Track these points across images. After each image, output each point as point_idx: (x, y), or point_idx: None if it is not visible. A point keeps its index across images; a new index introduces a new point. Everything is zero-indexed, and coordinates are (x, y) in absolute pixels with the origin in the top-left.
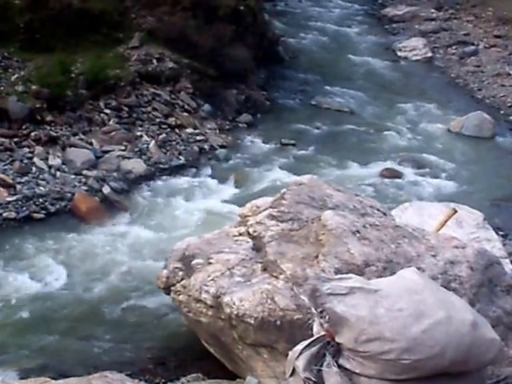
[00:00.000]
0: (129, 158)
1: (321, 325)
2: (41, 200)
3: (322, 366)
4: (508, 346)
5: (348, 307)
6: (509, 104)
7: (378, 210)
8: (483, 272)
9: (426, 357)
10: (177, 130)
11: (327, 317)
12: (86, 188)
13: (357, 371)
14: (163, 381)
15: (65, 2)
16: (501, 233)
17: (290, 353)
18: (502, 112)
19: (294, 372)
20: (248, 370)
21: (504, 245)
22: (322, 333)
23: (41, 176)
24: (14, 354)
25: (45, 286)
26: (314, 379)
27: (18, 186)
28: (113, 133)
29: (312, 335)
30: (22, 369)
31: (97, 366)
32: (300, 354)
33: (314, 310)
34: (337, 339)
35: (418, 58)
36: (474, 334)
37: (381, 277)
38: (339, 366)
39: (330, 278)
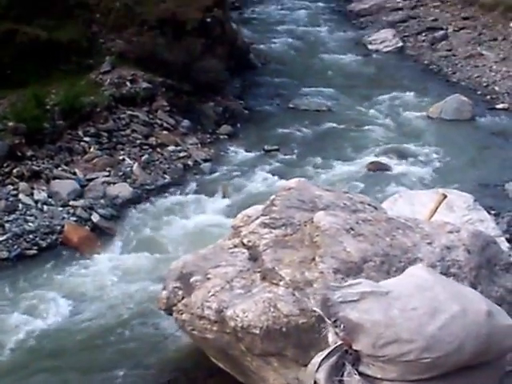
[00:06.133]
0: (114, 183)
1: (336, 334)
2: (31, 236)
3: (342, 375)
4: None
5: (361, 313)
6: (484, 84)
7: (369, 204)
8: (480, 253)
9: (445, 353)
10: (159, 150)
11: (342, 325)
12: (74, 218)
13: (378, 376)
14: None
15: (32, 35)
16: (493, 212)
17: (309, 366)
18: (478, 92)
19: None
20: (260, 380)
21: (497, 223)
22: (339, 342)
23: (28, 212)
24: None
25: (45, 321)
26: None
27: (7, 225)
28: (95, 160)
29: (328, 345)
30: None
31: None
32: (319, 366)
33: (327, 320)
34: (354, 347)
35: (389, 48)
36: (491, 323)
37: (380, 271)
38: (360, 374)
39: (340, 285)
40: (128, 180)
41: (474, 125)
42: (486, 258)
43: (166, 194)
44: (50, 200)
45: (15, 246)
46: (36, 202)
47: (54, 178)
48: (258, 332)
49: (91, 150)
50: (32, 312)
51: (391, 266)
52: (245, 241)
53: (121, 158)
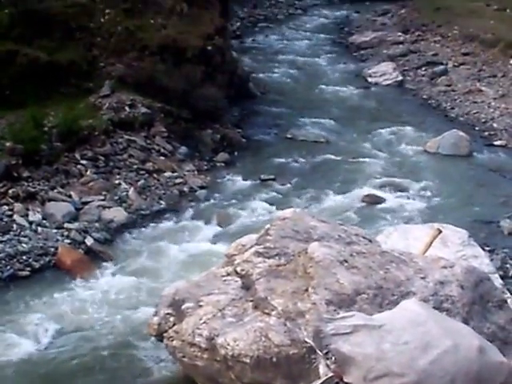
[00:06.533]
0: (109, 207)
1: (327, 366)
2: (24, 257)
3: None
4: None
5: (353, 346)
6: (483, 120)
7: (364, 237)
8: (474, 289)
9: None
10: (155, 175)
11: (333, 357)
12: (68, 241)
13: None
14: None
15: (32, 57)
16: (487, 248)
17: None
18: (476, 128)
19: None
20: None
21: (492, 260)
22: (330, 374)
23: (22, 233)
24: None
25: (35, 343)
26: None
27: (0, 245)
28: (91, 183)
29: (319, 377)
30: None
31: None
32: None
33: (318, 352)
34: (345, 379)
35: (389, 82)
36: (483, 359)
37: (372, 304)
38: None
39: (333, 317)
40: (123, 204)
41: (471, 161)
42: (479, 294)
43: (161, 220)
44: (44, 222)
45: (8, 267)
46: (30, 223)
47: (50, 199)
48: (248, 361)
49: (88, 173)
50: (21, 334)
51: (384, 299)
52: (238, 269)
53: (117, 182)
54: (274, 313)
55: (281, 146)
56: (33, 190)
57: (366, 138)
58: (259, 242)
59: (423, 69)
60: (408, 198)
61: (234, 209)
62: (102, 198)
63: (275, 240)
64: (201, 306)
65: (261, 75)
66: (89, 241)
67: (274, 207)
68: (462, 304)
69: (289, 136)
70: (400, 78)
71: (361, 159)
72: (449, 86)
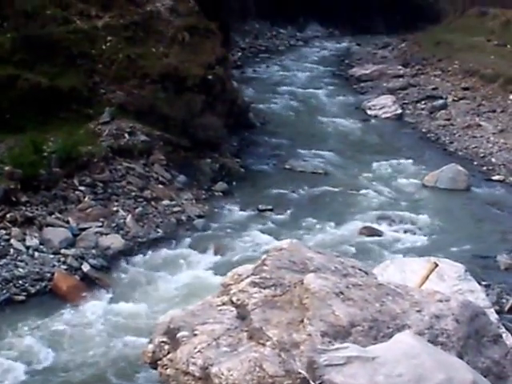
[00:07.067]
0: (106, 233)
1: None
2: (20, 282)
3: None
4: None
5: (347, 377)
6: (481, 155)
7: (360, 269)
8: (469, 324)
9: None
10: (153, 203)
11: None
12: (65, 267)
13: None
14: None
15: (33, 82)
16: (483, 283)
17: None
18: (475, 163)
19: None
20: None
21: (487, 295)
22: None
23: (19, 257)
24: None
25: (29, 368)
26: None
27: None
28: (89, 209)
29: None
30: None
31: None
32: None
33: (312, 383)
34: None
35: (388, 115)
36: None
37: (367, 336)
38: None
39: (327, 348)
40: (121, 232)
41: (469, 195)
42: (475, 328)
43: (158, 248)
44: (41, 247)
45: (4, 291)
46: (27, 248)
47: (47, 225)
48: None
49: (86, 199)
50: (16, 358)
51: (379, 331)
52: (234, 299)
53: (115, 209)
54: (268, 343)
55: (279, 176)
56: (31, 214)
57: (364, 171)
58: (255, 272)
59: (423, 102)
60: (405, 232)
61: (230, 238)
62: (100, 224)
63: (271, 270)
64: (196, 334)
65: (261, 106)
66: (85, 267)
67: (270, 238)
68: (457, 338)
69: (287, 167)
70: (399, 111)
71: (359, 191)
72: (448, 120)
